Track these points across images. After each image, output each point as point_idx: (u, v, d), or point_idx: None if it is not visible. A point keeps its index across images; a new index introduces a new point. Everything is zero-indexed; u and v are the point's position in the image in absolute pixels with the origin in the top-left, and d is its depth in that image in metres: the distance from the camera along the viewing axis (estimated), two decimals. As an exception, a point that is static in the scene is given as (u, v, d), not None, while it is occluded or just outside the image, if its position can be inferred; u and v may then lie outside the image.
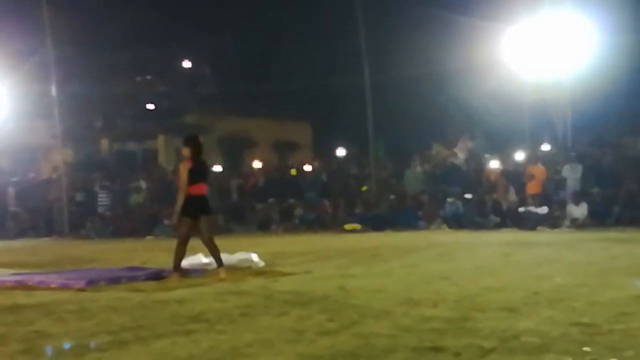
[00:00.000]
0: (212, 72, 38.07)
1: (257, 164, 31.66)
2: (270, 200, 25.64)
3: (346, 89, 31.18)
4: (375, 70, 27.24)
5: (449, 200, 23.01)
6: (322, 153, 33.71)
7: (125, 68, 34.97)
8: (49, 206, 27.20)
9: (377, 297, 7.67)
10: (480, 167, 24.27)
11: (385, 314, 6.61)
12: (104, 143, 37.41)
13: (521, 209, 22.00)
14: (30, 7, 28.40)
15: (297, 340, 5.57)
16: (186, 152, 10.28)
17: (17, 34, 28.39)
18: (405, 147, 29.34)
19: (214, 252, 10.13)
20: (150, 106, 36.33)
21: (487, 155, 24.69)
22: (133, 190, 27.30)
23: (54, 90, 27.82)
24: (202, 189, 10.25)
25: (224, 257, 10.42)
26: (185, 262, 10.82)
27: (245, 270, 10.72)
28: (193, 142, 10.37)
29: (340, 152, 33.56)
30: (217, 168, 31.93)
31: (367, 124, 26.85)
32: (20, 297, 8.40)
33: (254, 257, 11.42)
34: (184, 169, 10.13)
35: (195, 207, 10.12)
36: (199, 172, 10.23)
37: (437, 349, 5.11)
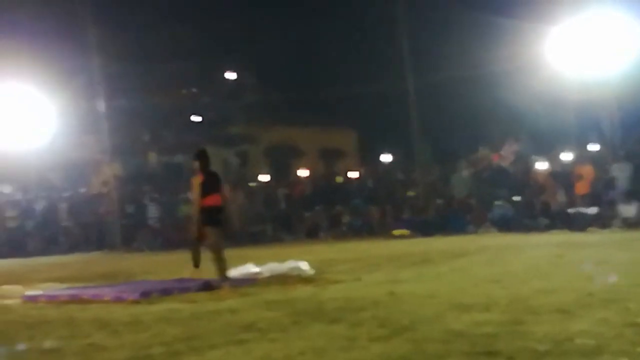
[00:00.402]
0: (257, 82, 38.27)
1: (303, 172, 31.74)
2: (318, 208, 25.70)
3: (390, 94, 31.10)
4: (419, 74, 27.18)
5: (497, 203, 22.85)
6: (368, 159, 33.70)
7: (170, 81, 35.31)
8: (100, 220, 27.56)
9: (428, 302, 7.65)
10: (528, 169, 24.06)
11: (437, 319, 6.60)
12: (152, 156, 37.79)
13: (571, 210, 21.77)
14: (78, 25, 28.86)
15: (349, 347, 5.58)
16: (196, 165, 10.53)
17: (66, 52, 28.87)
18: (451, 150, 29.18)
19: (220, 265, 10.19)
20: (196, 118, 36.64)
21: (534, 157, 24.47)
22: (181, 202, 27.52)
23: (101, 106, 28.23)
24: (216, 199, 10.41)
25: (274, 265, 10.48)
26: (236, 272, 10.91)
27: (295, 279, 10.75)
28: (202, 156, 10.66)
29: (386, 157, 33.49)
30: (264, 177, 32.11)
31: (412, 129, 26.78)
32: (75, 311, 8.50)
33: (304, 265, 11.45)
34: (196, 182, 10.38)
35: (213, 217, 10.27)
36: (211, 184, 10.44)
37: (491, 354, 5.08)
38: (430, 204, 24.70)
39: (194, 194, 10.39)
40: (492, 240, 18.81)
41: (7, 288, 11.54)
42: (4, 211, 28.62)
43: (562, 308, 6.74)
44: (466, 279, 9.76)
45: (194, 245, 10.53)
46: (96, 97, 28.67)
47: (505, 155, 25.46)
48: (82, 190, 31.13)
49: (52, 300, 9.69)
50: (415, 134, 26.75)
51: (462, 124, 32.33)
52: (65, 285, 11.53)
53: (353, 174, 29.07)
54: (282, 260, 11.59)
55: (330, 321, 6.81)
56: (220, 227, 10.47)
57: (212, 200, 10.34)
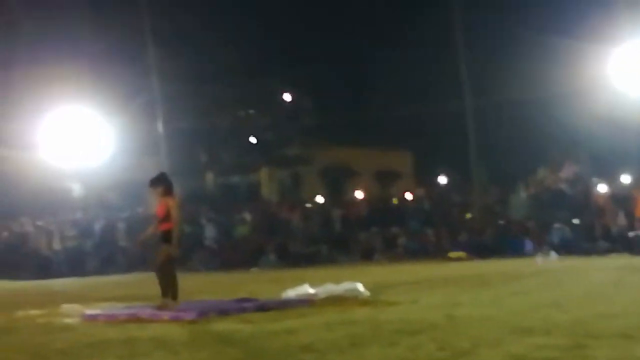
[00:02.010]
0: (313, 103, 38.42)
1: (359, 194, 31.70)
2: (373, 229, 25.62)
3: (447, 116, 30.99)
4: (477, 95, 27.03)
5: (556, 225, 22.54)
6: (424, 181, 33.54)
7: (228, 103, 35.63)
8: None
9: (487, 326, 7.56)
10: (587, 191, 23.72)
11: (497, 342, 6.51)
12: (209, 177, 38.11)
13: (631, 234, 21.37)
14: (137, 48, 29.35)
15: (408, 370, 5.53)
16: (160, 190, 10.55)
17: (125, 74, 29.36)
18: (509, 172, 28.89)
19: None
20: (253, 139, 36.89)
21: (594, 179, 24.11)
22: (238, 223, 27.70)
23: (160, 127, 28.59)
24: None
25: (331, 287, 10.45)
26: (292, 293, 10.90)
27: (351, 300, 10.70)
28: (166, 180, 10.73)
29: (442, 179, 33.30)
30: (320, 199, 32.14)
31: (469, 150, 26.60)
32: (134, 330, 8.57)
33: (360, 286, 11.38)
34: (175, 203, 10.42)
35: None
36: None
37: (553, 378, 4.99)
38: (487, 226, 24.45)
39: (176, 215, 10.38)
40: (551, 263, 18.54)
41: (67, 307, 11.68)
42: (63, 230, 29.06)
43: (624, 332, 6.61)
44: (525, 303, 9.63)
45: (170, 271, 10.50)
46: (155, 118, 29.06)
47: (565, 177, 25.12)
48: (140, 210, 31.47)
49: (111, 319, 9.79)
50: (473, 155, 26.56)
51: (520, 145, 32.00)
52: (123, 305, 11.63)
53: (409, 196, 28.93)
54: (338, 281, 11.55)
55: (388, 344, 6.76)
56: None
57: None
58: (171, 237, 10.27)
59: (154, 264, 10.50)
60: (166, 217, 10.36)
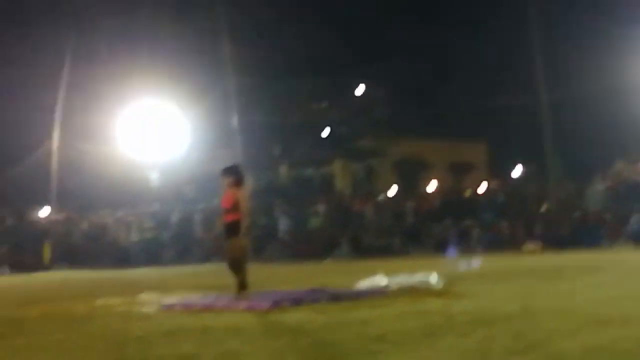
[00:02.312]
0: (386, 96, 38.34)
1: (432, 186, 31.54)
2: (447, 221, 25.49)
3: (521, 107, 30.58)
4: (552, 87, 26.61)
5: (634, 217, 22.10)
6: (498, 173, 33.18)
7: (301, 96, 35.84)
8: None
9: (563, 317, 7.47)
10: (667, 183, 23.20)
11: (573, 334, 6.44)
12: (283, 169, 38.37)
13: None
14: (212, 42, 29.71)
15: (482, 360, 5.52)
16: (230, 181, 10.64)
17: (200, 68, 29.76)
18: (585, 164, 28.39)
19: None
20: (326, 132, 37.01)
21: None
22: (311, 215, 27.85)
23: (234, 120, 28.91)
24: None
25: (404, 278, 10.45)
26: (365, 284, 10.94)
27: (424, 291, 10.68)
28: (238, 171, 10.87)
29: (517, 171, 32.91)
30: (392, 191, 32.09)
31: (544, 142, 26.23)
32: (209, 319, 8.69)
33: (433, 277, 11.36)
34: (244, 195, 10.55)
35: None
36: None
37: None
38: (563, 218, 24.10)
39: (245, 206, 10.46)
40: (628, 255, 18.20)
41: (145, 296, 11.93)
42: (141, 222, 29.65)
43: None
44: (602, 294, 9.48)
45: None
46: (230, 112, 29.39)
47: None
48: (215, 202, 31.85)
49: (187, 308, 9.95)
50: (548, 147, 26.18)
51: (597, 137, 31.39)
52: (199, 294, 11.83)
53: (483, 188, 28.67)
54: (412, 272, 11.54)
55: (462, 334, 6.74)
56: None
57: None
58: (238, 228, 10.37)
59: (228, 257, 10.60)
60: (233, 208, 10.45)
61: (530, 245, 22.72)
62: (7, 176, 30.46)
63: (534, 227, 24.16)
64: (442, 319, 7.83)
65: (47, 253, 28.75)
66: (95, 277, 21.50)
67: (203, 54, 30.26)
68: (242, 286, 10.34)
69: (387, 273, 11.73)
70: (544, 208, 25.51)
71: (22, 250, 28.93)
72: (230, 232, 10.44)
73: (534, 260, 18.54)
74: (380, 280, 11.21)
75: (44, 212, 31.33)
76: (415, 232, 26.18)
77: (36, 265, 26.95)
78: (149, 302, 11.08)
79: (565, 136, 29.39)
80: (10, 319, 9.99)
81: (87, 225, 30.74)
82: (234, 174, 10.76)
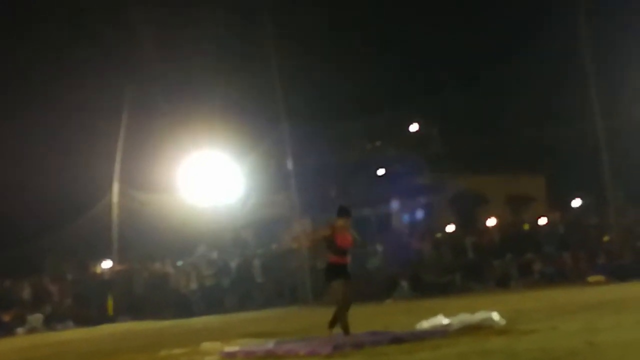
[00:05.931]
0: (440, 131, 38.25)
1: (491, 221, 31.28)
2: (507, 256, 25.21)
3: (578, 137, 30.21)
4: (608, 114, 26.29)
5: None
6: (557, 205, 32.76)
7: (355, 136, 35.96)
8: (292, 275, 28.20)
9: (630, 351, 7.32)
10: None
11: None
12: (340, 210, 38.29)
13: None
14: (264, 89, 30.05)
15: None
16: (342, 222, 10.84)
17: (254, 115, 30.12)
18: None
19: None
20: (382, 171, 37.01)
21: None
22: (370, 255, 27.76)
23: (290, 164, 29.13)
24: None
25: (465, 316, 10.35)
26: (426, 324, 10.86)
27: (487, 330, 10.56)
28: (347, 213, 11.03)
29: (576, 202, 32.48)
30: (451, 227, 31.90)
31: (603, 171, 25.88)
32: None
33: (495, 315, 11.22)
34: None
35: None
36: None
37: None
38: (626, 248, 23.67)
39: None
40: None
41: (206, 345, 11.99)
42: (201, 269, 29.85)
43: None
44: (670, 327, 9.27)
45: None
46: (284, 156, 29.61)
47: None
48: (274, 246, 32.00)
49: (249, 356, 9.97)
50: (607, 176, 25.81)
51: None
52: (261, 341, 11.85)
53: (542, 220, 28.34)
54: (473, 311, 11.42)
55: (526, 373, 6.64)
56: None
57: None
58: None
59: (350, 298, 10.66)
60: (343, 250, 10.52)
61: (593, 277, 22.33)
62: (69, 230, 30.92)
63: (597, 258, 23.77)
64: (505, 358, 7.73)
65: (110, 305, 29.06)
66: (158, 327, 21.66)
67: (256, 102, 30.62)
68: (334, 324, 10.41)
69: (449, 312, 11.63)
70: (606, 238, 25.10)
71: (86, 303, 29.25)
72: (348, 273, 10.59)
73: (597, 292, 18.20)
74: (441, 319, 11.12)
75: (106, 264, 31.73)
76: (476, 268, 25.92)
77: (100, 318, 27.21)
78: (211, 351, 11.13)
79: (626, 164, 28.93)
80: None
81: (148, 275, 31.03)
82: (351, 215, 10.82)
